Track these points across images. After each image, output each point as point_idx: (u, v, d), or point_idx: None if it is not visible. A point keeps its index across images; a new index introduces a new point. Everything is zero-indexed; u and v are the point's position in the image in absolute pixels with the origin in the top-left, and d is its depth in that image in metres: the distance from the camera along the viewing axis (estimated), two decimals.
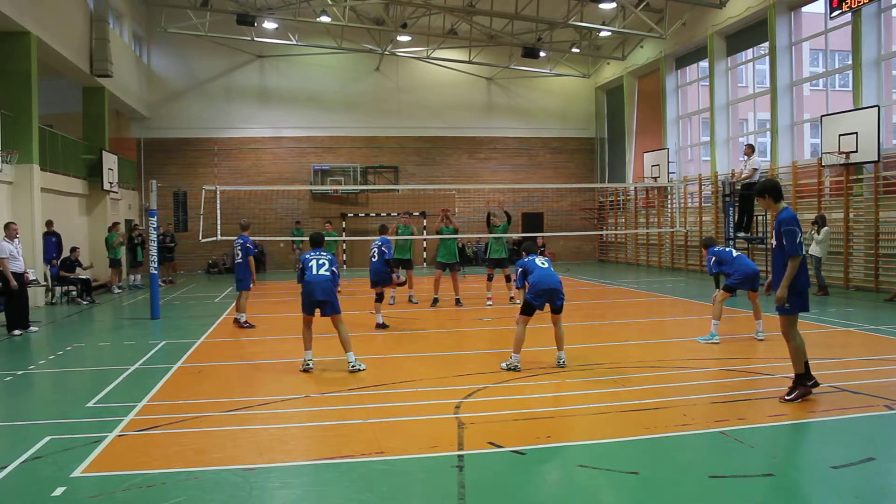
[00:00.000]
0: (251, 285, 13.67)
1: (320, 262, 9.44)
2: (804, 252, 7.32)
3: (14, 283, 12.95)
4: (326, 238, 20.32)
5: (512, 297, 16.33)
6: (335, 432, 6.74)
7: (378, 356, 10.15)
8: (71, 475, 5.53)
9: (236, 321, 13.55)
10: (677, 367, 9.40)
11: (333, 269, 9.47)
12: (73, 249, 18.84)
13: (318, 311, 9.44)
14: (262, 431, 6.73)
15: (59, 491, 5.20)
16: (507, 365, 9.14)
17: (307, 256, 9.58)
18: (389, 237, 14.82)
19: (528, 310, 9.21)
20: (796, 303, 7.30)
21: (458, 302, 16.27)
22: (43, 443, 6.34)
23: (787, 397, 7.26)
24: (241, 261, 13.59)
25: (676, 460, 5.87)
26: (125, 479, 5.43)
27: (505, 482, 5.40)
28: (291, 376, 9.11)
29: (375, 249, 13.61)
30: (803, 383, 7.31)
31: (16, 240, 13.50)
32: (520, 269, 9.43)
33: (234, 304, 14.50)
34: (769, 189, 7.62)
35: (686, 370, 9.20)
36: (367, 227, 29.47)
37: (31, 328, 13.53)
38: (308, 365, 9.33)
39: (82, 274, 18.85)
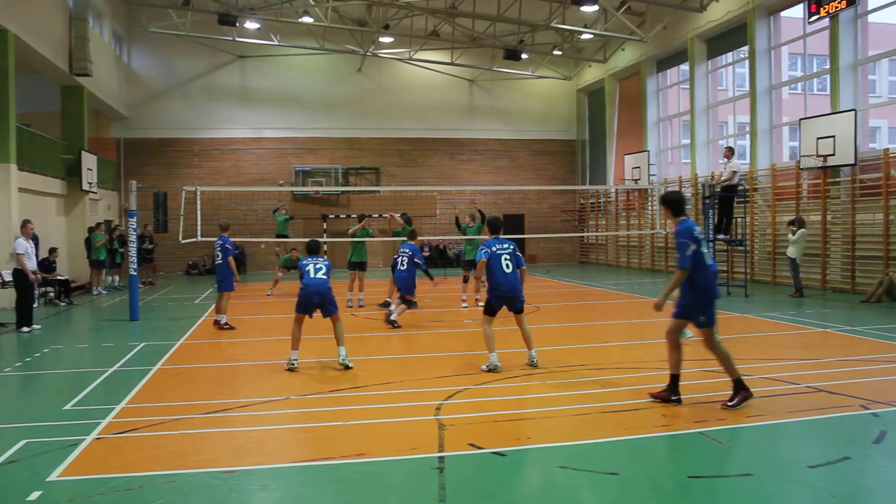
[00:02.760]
0: (234, 285, 13.62)
1: (317, 266, 9.80)
2: (690, 266, 7.22)
3: (32, 277, 13.65)
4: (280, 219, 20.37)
5: (477, 300, 16.22)
6: (315, 434, 6.73)
7: (358, 358, 10.11)
8: (47, 479, 5.47)
9: (216, 323, 13.48)
10: (657, 368, 9.44)
11: (328, 274, 9.81)
12: (52, 251, 18.64)
13: (317, 313, 9.76)
14: (242, 434, 6.70)
15: (34, 495, 5.14)
16: (487, 366, 9.16)
17: (305, 262, 9.91)
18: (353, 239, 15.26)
19: (489, 310, 9.35)
20: (710, 315, 7.27)
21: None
22: (18, 446, 6.26)
23: (729, 403, 7.17)
24: (221, 262, 13.51)
25: (656, 461, 5.90)
26: (103, 483, 5.38)
27: (485, 483, 5.40)
28: (272, 378, 9.07)
29: (406, 258, 13.65)
30: (744, 387, 7.21)
31: (31, 239, 14.11)
32: (484, 250, 9.34)
33: (214, 306, 14.41)
34: (669, 201, 7.57)
35: (666, 371, 9.21)
36: (348, 229, 29.34)
37: (35, 326, 13.83)
38: (293, 364, 9.43)
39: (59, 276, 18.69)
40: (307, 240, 10.77)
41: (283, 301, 17.63)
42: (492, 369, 9.08)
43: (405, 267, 13.63)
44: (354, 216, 28.44)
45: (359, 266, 16.63)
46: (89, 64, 21.90)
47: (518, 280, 9.36)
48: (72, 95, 23.21)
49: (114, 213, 28.17)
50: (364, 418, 7.15)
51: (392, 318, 13.27)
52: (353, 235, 16.76)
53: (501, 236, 9.64)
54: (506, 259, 9.33)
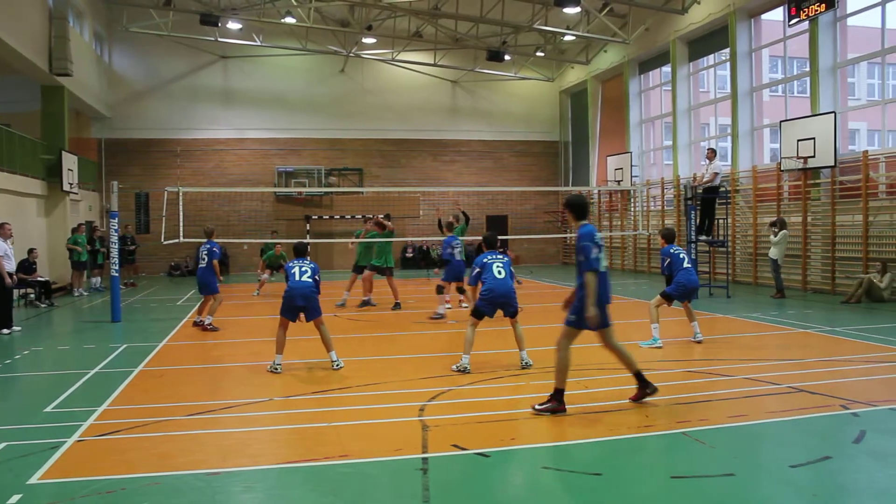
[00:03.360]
0: (218, 287, 13.55)
1: (303, 269, 9.70)
2: (600, 268, 7.10)
3: (9, 280, 13.43)
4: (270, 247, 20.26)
5: (461, 301, 16.25)
6: (299, 436, 6.71)
7: (342, 359, 10.09)
8: (28, 482, 5.42)
9: (197, 324, 13.42)
10: (641, 368, 9.48)
11: (316, 277, 9.72)
12: (31, 251, 18.42)
13: (301, 317, 9.68)
14: (226, 435, 6.67)
15: (14, 499, 5.09)
16: (458, 367, 9.23)
17: (291, 265, 9.85)
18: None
19: (477, 314, 9.39)
20: (583, 318, 7.13)
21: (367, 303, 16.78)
22: None
23: (538, 406, 7.11)
24: (205, 265, 13.42)
25: (639, 461, 5.93)
26: (84, 486, 5.33)
27: (469, 484, 5.41)
28: (255, 379, 9.04)
29: (458, 249, 14.70)
30: (559, 399, 7.11)
31: (9, 240, 13.91)
32: (476, 269, 9.52)
33: (197, 307, 14.28)
34: (571, 205, 7.44)
35: (648, 372, 9.27)
36: (331, 230, 29.36)
37: (15, 328, 13.70)
38: (277, 368, 9.39)
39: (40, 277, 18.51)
40: (293, 241, 10.75)
41: (268, 303, 17.60)
42: (462, 370, 9.16)
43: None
44: (349, 218, 28.54)
45: (368, 268, 16.79)
46: (70, 63, 21.72)
47: (511, 285, 9.45)
48: (52, 95, 22.98)
49: (95, 213, 27.95)
50: (348, 419, 7.14)
51: (465, 304, 14.13)
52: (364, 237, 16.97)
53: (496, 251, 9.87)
54: (498, 266, 9.44)
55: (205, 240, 13.67)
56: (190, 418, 7.22)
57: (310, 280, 9.62)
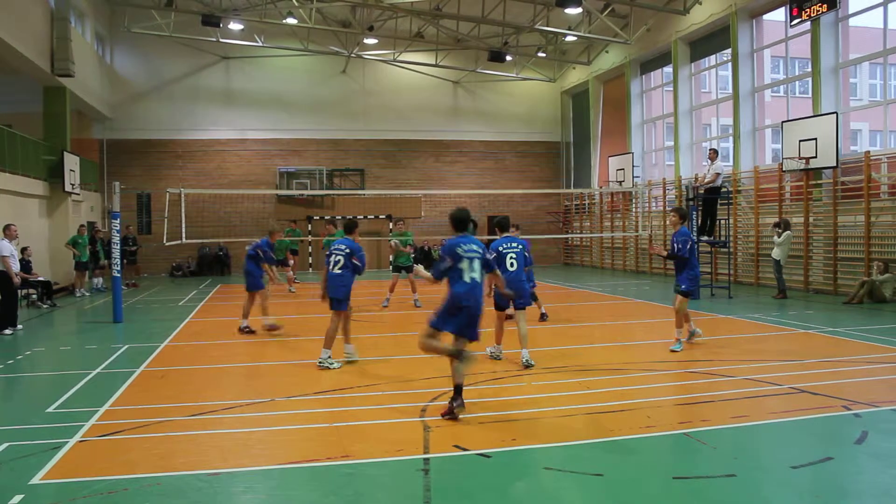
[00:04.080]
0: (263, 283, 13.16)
1: (336, 258, 9.70)
2: (465, 279, 7.11)
3: (17, 280, 13.63)
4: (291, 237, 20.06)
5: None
6: (300, 436, 6.71)
7: (343, 359, 10.09)
8: (29, 482, 5.43)
9: (247, 330, 12.91)
10: (641, 369, 9.49)
11: (354, 260, 9.63)
12: (24, 249, 18.10)
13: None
14: (227, 436, 6.67)
15: (16, 499, 5.10)
16: (492, 354, 9.82)
17: (331, 248, 9.88)
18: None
19: (497, 307, 9.73)
20: (454, 326, 7.12)
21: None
22: (0, 449, 6.21)
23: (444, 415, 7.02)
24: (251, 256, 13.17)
25: (641, 462, 5.93)
26: (86, 486, 5.34)
27: (471, 485, 5.40)
28: (257, 380, 9.05)
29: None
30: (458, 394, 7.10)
31: (14, 241, 14.05)
32: (493, 254, 9.51)
33: (242, 311, 13.60)
34: (451, 219, 7.58)
35: (650, 373, 9.29)
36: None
37: (18, 327, 13.88)
38: (324, 363, 9.53)
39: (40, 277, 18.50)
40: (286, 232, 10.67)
41: (274, 303, 17.56)
42: (495, 357, 9.73)
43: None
44: (350, 218, 28.47)
45: (404, 269, 16.95)
46: (71, 64, 21.74)
47: (522, 276, 9.57)
48: (54, 96, 23.00)
49: (97, 214, 27.95)
50: (350, 420, 7.14)
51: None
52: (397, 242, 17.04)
53: (512, 235, 10.06)
54: (511, 258, 9.62)
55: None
56: (191, 419, 7.22)
57: (340, 271, 9.59)
